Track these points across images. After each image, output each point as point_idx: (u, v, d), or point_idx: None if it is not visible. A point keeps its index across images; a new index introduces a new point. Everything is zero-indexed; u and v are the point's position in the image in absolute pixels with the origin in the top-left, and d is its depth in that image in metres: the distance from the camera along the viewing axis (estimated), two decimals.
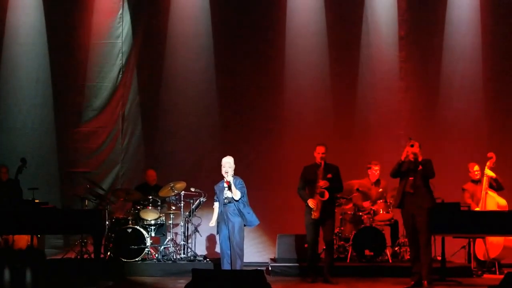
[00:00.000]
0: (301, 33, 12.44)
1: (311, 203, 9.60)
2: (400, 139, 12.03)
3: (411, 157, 9.29)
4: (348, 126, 12.40)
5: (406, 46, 12.42)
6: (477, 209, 10.56)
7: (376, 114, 12.41)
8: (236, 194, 9.28)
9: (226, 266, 9.29)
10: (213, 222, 9.49)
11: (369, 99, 12.42)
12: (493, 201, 10.44)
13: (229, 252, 9.27)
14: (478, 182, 10.73)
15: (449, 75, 12.44)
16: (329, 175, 9.59)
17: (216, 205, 9.47)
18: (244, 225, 9.38)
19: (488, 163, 10.48)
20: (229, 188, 9.32)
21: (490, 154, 10.49)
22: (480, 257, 10.68)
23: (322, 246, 10.16)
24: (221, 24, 12.45)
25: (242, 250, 9.32)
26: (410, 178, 9.31)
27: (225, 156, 9.52)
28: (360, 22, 12.41)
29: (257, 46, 12.45)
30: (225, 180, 9.37)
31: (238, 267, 9.19)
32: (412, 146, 9.28)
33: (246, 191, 9.43)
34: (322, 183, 9.56)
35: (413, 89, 12.42)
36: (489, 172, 10.49)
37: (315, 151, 9.73)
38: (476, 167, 10.82)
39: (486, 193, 10.51)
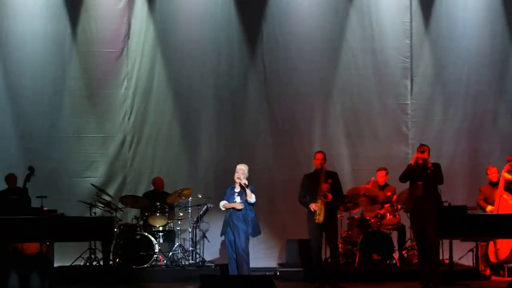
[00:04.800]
0: (305, 39, 12.46)
1: (313, 206, 9.63)
2: (409, 144, 12.09)
3: (420, 161, 9.33)
4: (355, 131, 12.41)
5: (414, 50, 12.41)
6: (489, 207, 10.58)
7: (384, 118, 12.43)
8: (251, 197, 9.35)
9: (233, 271, 9.34)
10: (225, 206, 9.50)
11: (375, 104, 12.43)
12: (507, 204, 10.42)
13: (235, 256, 9.32)
14: (496, 184, 10.72)
15: (457, 79, 12.43)
16: (330, 180, 9.67)
17: (222, 203, 9.51)
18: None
19: (506, 166, 10.47)
20: (241, 192, 9.37)
21: (509, 158, 10.49)
22: (493, 259, 10.65)
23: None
24: (234, 42, 12.48)
25: (247, 255, 9.37)
26: (419, 183, 9.34)
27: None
28: (366, 27, 12.43)
29: (258, 56, 12.50)
30: (236, 184, 9.44)
31: (245, 272, 9.23)
32: (422, 152, 9.32)
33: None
34: (324, 186, 9.62)
35: (423, 94, 12.42)
36: (506, 175, 10.48)
37: (314, 158, 9.89)
38: (494, 170, 10.82)
39: (501, 196, 10.48)
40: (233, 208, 9.40)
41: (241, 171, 9.47)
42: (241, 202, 9.39)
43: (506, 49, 12.44)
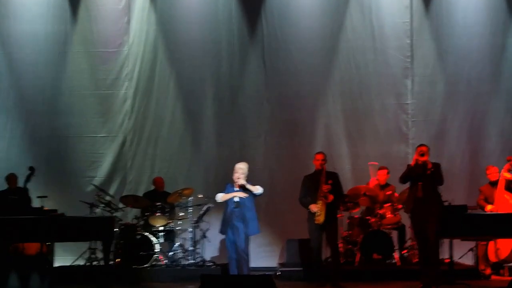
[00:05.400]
0: (306, 39, 12.46)
1: (314, 207, 9.64)
2: (409, 144, 12.09)
3: (420, 162, 9.33)
4: (356, 130, 12.42)
5: (414, 49, 12.41)
6: (488, 206, 10.58)
7: (385, 118, 12.43)
8: (255, 189, 9.36)
9: (233, 270, 9.35)
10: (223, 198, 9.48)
11: (376, 103, 12.42)
12: (507, 204, 10.42)
13: (235, 256, 9.33)
14: (495, 184, 10.71)
15: (458, 78, 12.41)
16: (330, 181, 9.68)
17: (220, 195, 9.48)
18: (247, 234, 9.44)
19: (507, 165, 10.46)
20: (244, 190, 9.36)
21: (509, 157, 10.49)
22: (493, 258, 10.65)
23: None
24: (235, 42, 12.48)
25: (247, 255, 9.37)
26: (419, 183, 9.34)
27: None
28: (367, 26, 12.43)
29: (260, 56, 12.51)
30: (235, 184, 9.42)
31: (245, 272, 9.24)
32: (422, 155, 9.31)
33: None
34: (325, 187, 9.63)
35: (424, 93, 12.41)
36: (506, 174, 10.48)
37: (314, 159, 9.91)
38: (493, 169, 10.81)
39: (501, 195, 10.49)
40: (235, 196, 9.34)
41: (241, 171, 9.45)
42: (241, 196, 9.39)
43: (506, 48, 12.42)
